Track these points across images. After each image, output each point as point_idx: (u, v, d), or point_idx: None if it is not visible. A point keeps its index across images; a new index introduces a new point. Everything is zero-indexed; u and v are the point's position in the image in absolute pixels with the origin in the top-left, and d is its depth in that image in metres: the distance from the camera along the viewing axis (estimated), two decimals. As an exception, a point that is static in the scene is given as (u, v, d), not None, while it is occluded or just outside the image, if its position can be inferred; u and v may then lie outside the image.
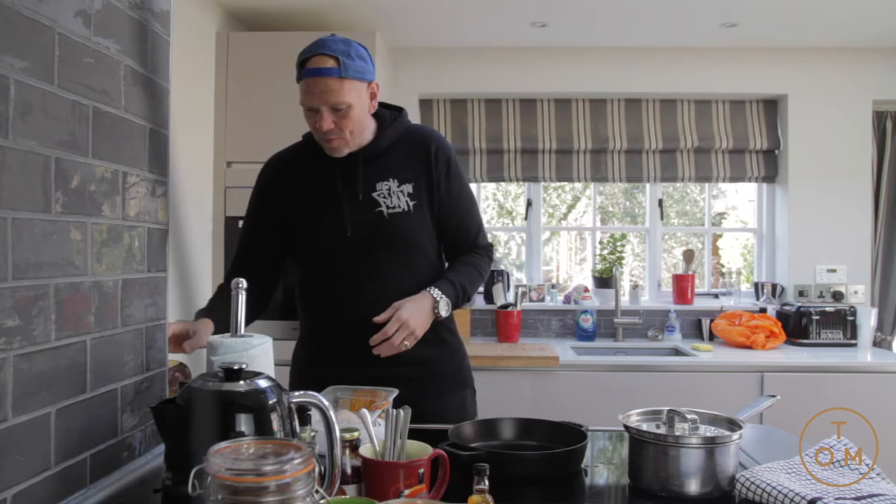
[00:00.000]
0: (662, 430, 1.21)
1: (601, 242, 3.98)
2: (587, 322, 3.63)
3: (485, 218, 4.20)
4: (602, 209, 4.36)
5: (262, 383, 1.00)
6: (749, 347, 3.35)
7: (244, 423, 0.96)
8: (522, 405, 2.98)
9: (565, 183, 4.32)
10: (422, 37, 3.57)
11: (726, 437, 1.16)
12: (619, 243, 3.91)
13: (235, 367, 0.99)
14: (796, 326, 3.47)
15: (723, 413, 1.25)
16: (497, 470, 1.09)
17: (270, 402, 0.98)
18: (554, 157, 3.83)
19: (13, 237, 0.94)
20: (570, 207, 4.93)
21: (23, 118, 0.96)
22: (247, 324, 1.68)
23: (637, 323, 3.64)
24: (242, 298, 1.26)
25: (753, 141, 3.79)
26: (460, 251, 1.79)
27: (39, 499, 1.00)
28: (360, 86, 1.60)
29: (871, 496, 1.05)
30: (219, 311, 1.59)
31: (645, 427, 1.22)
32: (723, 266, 4.38)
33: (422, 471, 1.08)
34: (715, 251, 4.32)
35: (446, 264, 1.82)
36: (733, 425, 1.21)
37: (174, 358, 1.68)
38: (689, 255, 3.96)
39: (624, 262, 3.94)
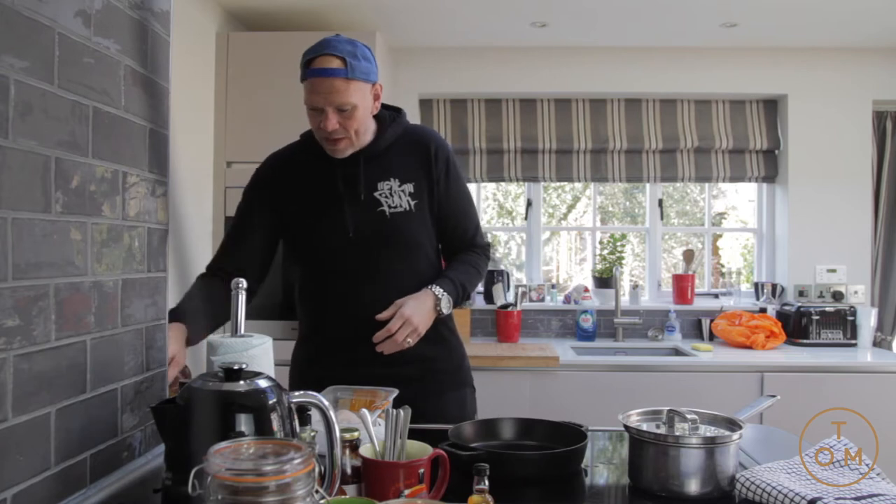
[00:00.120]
0: (662, 430, 1.21)
1: (601, 242, 3.98)
2: (587, 322, 3.63)
3: (485, 218, 4.20)
4: (602, 209, 4.36)
5: (262, 383, 1.00)
6: (749, 347, 3.35)
7: (244, 423, 0.96)
8: (522, 405, 2.98)
9: (565, 183, 4.32)
10: (422, 37, 3.57)
11: (726, 437, 1.16)
12: (619, 243, 3.91)
13: (235, 367, 0.99)
14: (796, 326, 3.47)
15: (723, 413, 1.25)
16: (497, 470, 1.09)
17: (270, 402, 0.98)
18: (554, 157, 3.83)
19: (13, 237, 0.94)
20: (570, 207, 4.93)
21: (23, 118, 0.96)
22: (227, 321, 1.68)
23: (637, 323, 3.64)
24: (242, 298, 1.26)
25: (753, 141, 3.79)
26: (459, 250, 1.80)
27: (39, 499, 1.00)
28: (365, 87, 1.61)
29: (871, 496, 1.05)
30: (192, 315, 1.57)
31: (645, 427, 1.22)
32: (723, 266, 4.38)
33: (422, 471, 1.08)
34: (715, 251, 4.32)
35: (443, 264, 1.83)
36: (733, 425, 1.21)
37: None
38: (689, 255, 3.96)
39: (624, 262, 3.94)
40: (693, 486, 1.14)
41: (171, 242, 1.40)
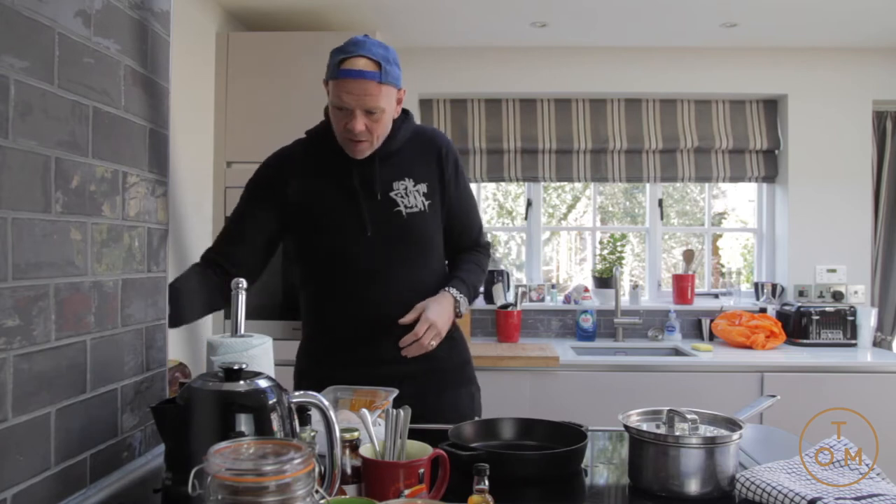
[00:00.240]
0: (662, 430, 1.21)
1: (601, 242, 3.98)
2: (587, 322, 3.63)
3: (485, 218, 4.20)
4: (602, 209, 4.36)
5: (262, 383, 1.00)
6: (749, 347, 3.35)
7: (244, 423, 0.96)
8: (522, 405, 2.98)
9: (565, 183, 4.32)
10: (422, 37, 3.57)
11: (726, 437, 1.16)
12: (619, 243, 3.91)
13: (235, 367, 0.99)
14: (796, 326, 3.47)
15: (723, 413, 1.25)
16: (497, 470, 1.09)
17: (270, 402, 0.98)
18: (554, 157, 3.83)
19: (13, 237, 0.94)
20: (570, 207, 4.93)
21: (23, 118, 0.96)
22: (212, 311, 1.68)
23: (637, 323, 3.64)
24: (242, 298, 1.26)
25: (753, 141, 3.79)
26: (463, 250, 1.81)
27: (39, 499, 1.00)
28: (394, 92, 1.62)
29: (871, 496, 1.05)
30: (185, 293, 1.54)
31: (645, 427, 1.22)
32: (723, 266, 4.38)
33: (422, 471, 1.08)
34: (715, 251, 4.32)
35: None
36: (733, 425, 1.21)
37: (174, 357, 1.68)
38: (689, 255, 3.96)
39: (624, 262, 3.95)
40: (693, 486, 1.14)
41: (171, 242, 1.40)
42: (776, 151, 3.85)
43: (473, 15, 3.27)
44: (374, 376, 1.58)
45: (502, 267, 3.84)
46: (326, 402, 1.01)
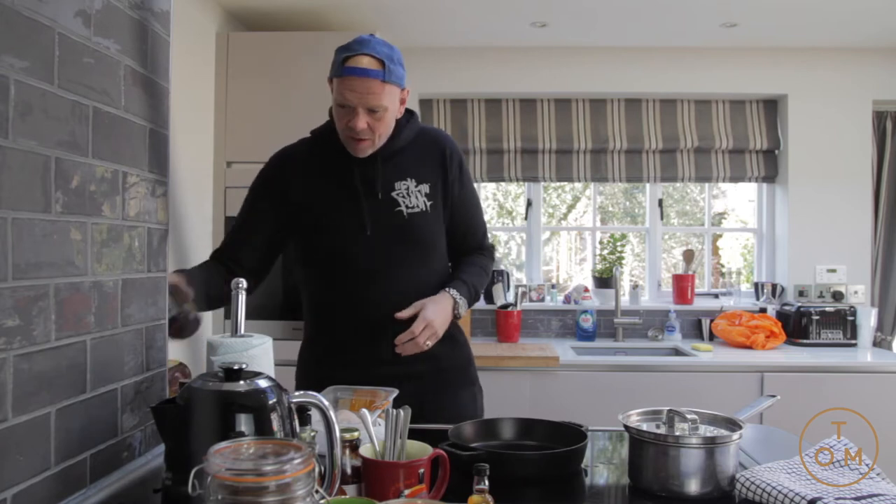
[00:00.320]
0: (662, 430, 1.21)
1: (601, 242, 3.98)
2: (587, 322, 3.63)
3: (485, 218, 4.20)
4: (602, 209, 4.36)
5: (262, 383, 1.00)
6: (749, 347, 3.35)
7: (244, 423, 0.96)
8: (522, 405, 2.98)
9: (565, 183, 4.32)
10: (422, 37, 3.57)
11: (726, 437, 1.16)
12: (619, 243, 3.91)
13: (235, 367, 0.99)
14: (796, 326, 3.47)
15: (723, 413, 1.25)
16: (497, 470, 1.09)
17: (270, 402, 0.98)
18: (554, 157, 3.83)
19: (13, 237, 0.94)
20: (570, 207, 4.93)
21: (23, 118, 0.96)
22: (212, 307, 1.68)
23: (637, 323, 3.64)
24: (242, 298, 1.26)
25: (753, 141, 3.79)
26: (466, 252, 1.81)
27: (39, 499, 1.00)
28: (397, 91, 1.61)
29: (871, 496, 1.05)
30: (195, 279, 1.55)
31: (645, 427, 1.22)
32: (723, 266, 4.38)
33: (422, 471, 1.08)
34: (715, 251, 4.32)
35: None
36: (733, 425, 1.21)
37: (174, 358, 1.68)
38: (689, 255, 3.96)
39: (624, 262, 3.95)
40: (693, 486, 1.14)
41: (171, 242, 1.40)
42: (776, 151, 3.85)
43: (473, 15, 3.27)
44: (375, 376, 1.58)
45: (502, 267, 3.84)
46: (326, 402, 1.01)
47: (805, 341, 3.44)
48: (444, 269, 1.78)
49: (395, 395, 1.45)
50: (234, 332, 1.25)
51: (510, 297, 3.73)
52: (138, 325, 1.28)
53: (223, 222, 3.09)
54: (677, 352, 3.49)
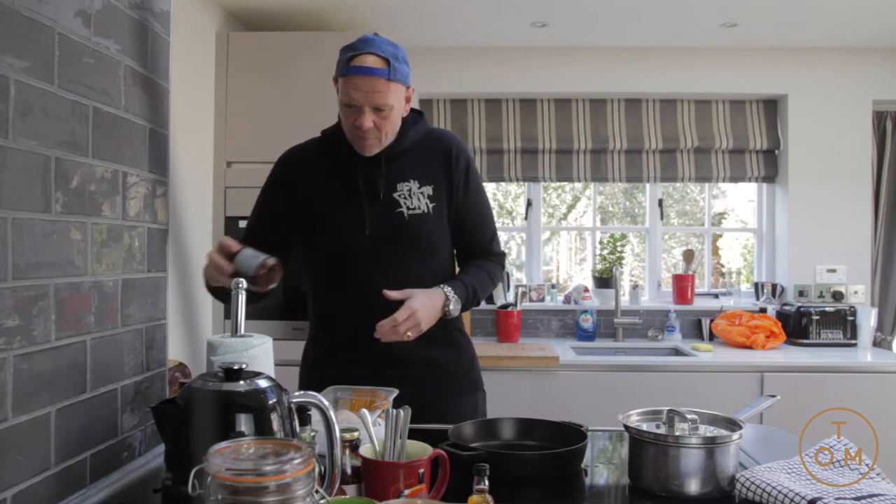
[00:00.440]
0: (662, 430, 1.21)
1: (601, 242, 3.98)
2: (587, 322, 3.63)
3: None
4: (602, 209, 4.36)
5: (262, 383, 1.00)
6: (749, 347, 3.35)
7: (244, 423, 0.96)
8: (522, 405, 2.98)
9: (565, 183, 4.32)
10: (422, 37, 3.57)
11: (726, 437, 1.16)
12: (619, 243, 3.91)
13: (235, 367, 0.99)
14: (796, 326, 3.47)
15: (723, 413, 1.25)
16: (497, 470, 1.09)
17: (270, 402, 0.98)
18: (554, 157, 3.83)
19: (13, 237, 0.94)
20: (570, 207, 4.93)
21: (23, 118, 0.96)
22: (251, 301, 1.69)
23: (637, 323, 3.64)
24: (242, 298, 1.26)
25: (753, 141, 3.79)
26: (473, 256, 1.78)
27: (39, 499, 1.00)
28: (402, 89, 1.62)
29: (871, 496, 1.05)
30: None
31: (645, 427, 1.22)
32: (723, 266, 4.38)
33: (422, 471, 1.08)
34: (715, 251, 4.32)
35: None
36: (733, 425, 1.21)
37: (174, 357, 1.68)
38: (689, 255, 3.96)
39: (624, 262, 3.94)
40: (693, 486, 1.14)
41: (171, 242, 1.41)
42: (776, 151, 3.85)
43: (473, 15, 3.27)
44: (377, 377, 1.58)
45: (502, 267, 3.84)
46: (326, 402, 1.01)
47: (805, 341, 3.44)
48: (446, 271, 1.75)
49: (395, 395, 1.45)
50: (234, 332, 1.25)
51: (510, 297, 3.73)
52: (138, 325, 1.28)
53: (223, 222, 3.09)
54: (677, 352, 3.49)
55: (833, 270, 3.71)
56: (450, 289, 1.65)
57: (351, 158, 1.69)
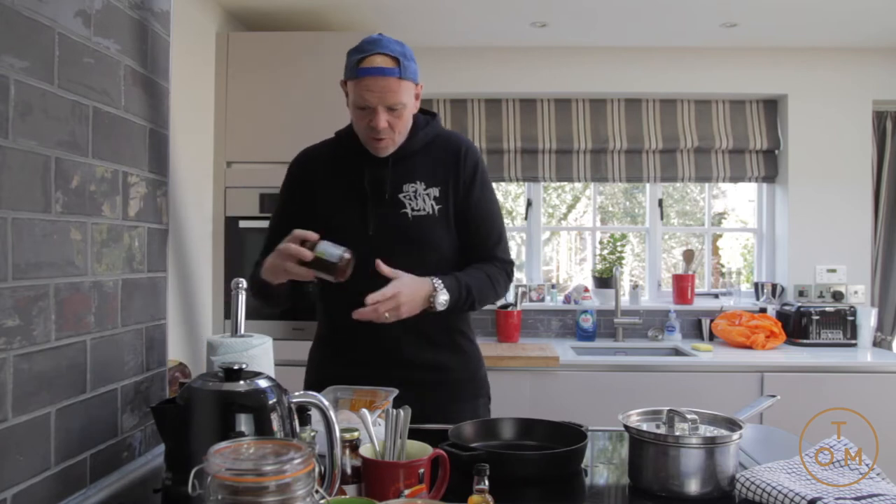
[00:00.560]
0: (662, 430, 1.21)
1: (601, 242, 3.98)
2: (587, 322, 3.63)
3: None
4: (602, 209, 4.36)
5: (262, 383, 1.00)
6: (749, 347, 3.35)
7: (244, 423, 0.96)
8: (522, 405, 2.98)
9: (565, 183, 4.32)
10: (422, 37, 3.57)
11: (726, 437, 1.16)
12: (619, 243, 3.91)
13: (235, 367, 0.99)
14: (796, 326, 3.47)
15: (723, 413, 1.25)
16: (497, 470, 1.09)
17: (270, 402, 0.98)
18: (554, 157, 3.83)
19: (13, 237, 0.94)
20: (570, 207, 4.93)
21: (23, 118, 0.96)
22: (274, 301, 1.69)
23: (637, 323, 3.64)
24: (242, 298, 1.26)
25: (753, 141, 3.79)
26: (478, 258, 1.74)
27: (39, 499, 1.00)
28: (412, 87, 1.62)
29: (871, 496, 1.05)
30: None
31: (645, 427, 1.22)
32: (723, 266, 4.38)
33: (422, 471, 1.08)
34: (715, 251, 4.32)
35: None
36: (733, 425, 1.21)
37: (174, 358, 1.68)
38: (689, 255, 3.96)
39: (624, 262, 3.94)
40: (693, 486, 1.14)
41: (171, 242, 1.41)
42: (776, 151, 3.85)
43: (473, 15, 3.27)
44: (377, 379, 1.57)
45: (502, 267, 3.84)
46: (326, 402, 1.01)
47: (805, 341, 3.44)
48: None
49: (395, 395, 1.45)
50: (234, 332, 1.25)
51: (510, 297, 3.73)
52: (138, 325, 1.28)
53: (223, 222, 3.08)
54: (677, 352, 3.48)
55: (833, 270, 3.71)
56: (439, 281, 1.60)
57: (359, 159, 1.69)
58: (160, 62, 1.36)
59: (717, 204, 4.40)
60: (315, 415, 1.08)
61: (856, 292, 3.69)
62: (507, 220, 4.51)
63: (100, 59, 1.14)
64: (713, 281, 4.12)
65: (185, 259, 2.83)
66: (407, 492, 1.05)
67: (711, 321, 3.62)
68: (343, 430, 1.08)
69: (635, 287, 3.87)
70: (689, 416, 1.17)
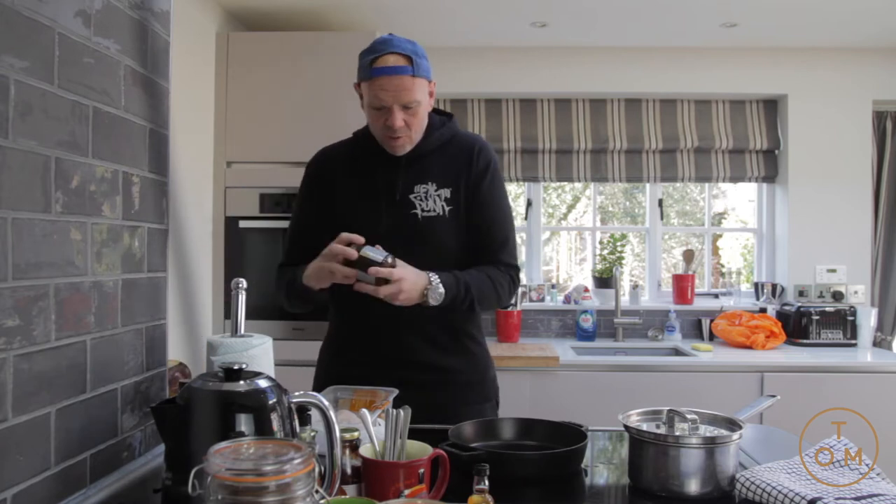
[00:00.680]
0: (662, 430, 1.21)
1: (601, 242, 3.98)
2: (587, 322, 3.63)
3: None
4: (602, 209, 4.36)
5: (262, 383, 1.00)
6: (749, 347, 3.35)
7: (244, 423, 0.96)
8: (522, 405, 2.98)
9: (565, 183, 4.32)
10: (422, 37, 3.53)
11: (726, 437, 1.16)
12: (619, 243, 3.91)
13: (235, 367, 0.99)
14: (796, 326, 3.47)
15: (723, 413, 1.25)
16: (497, 470, 1.09)
17: (270, 402, 0.98)
18: (554, 157, 3.83)
19: (13, 237, 0.94)
20: (570, 207, 4.93)
21: (23, 118, 0.96)
22: (308, 306, 1.70)
23: (637, 323, 3.64)
24: (242, 298, 1.26)
25: (753, 141, 3.79)
26: (482, 260, 1.72)
27: (39, 499, 1.00)
28: (426, 84, 1.62)
29: (871, 496, 1.05)
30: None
31: (645, 427, 1.22)
32: (723, 266, 4.38)
33: (422, 471, 1.08)
34: (715, 251, 4.32)
35: None
36: (733, 425, 1.21)
37: (174, 358, 1.68)
38: (689, 255, 3.96)
39: (624, 262, 3.94)
40: (693, 486, 1.14)
41: (171, 242, 1.41)
42: (776, 151, 3.85)
43: (473, 15, 3.27)
44: (384, 378, 1.56)
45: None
46: (326, 402, 1.01)
47: (805, 341, 3.44)
48: None
49: (395, 394, 1.45)
50: (234, 332, 1.25)
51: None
52: (138, 325, 1.28)
53: (223, 222, 3.08)
54: (677, 352, 3.48)
55: (833, 270, 3.71)
56: (436, 276, 1.58)
57: (372, 159, 1.70)
58: (160, 62, 1.36)
59: (717, 204, 4.40)
60: (315, 415, 1.08)
61: (856, 292, 3.69)
62: (507, 220, 4.52)
63: (100, 59, 1.14)
64: (713, 281, 4.12)
65: (185, 259, 2.83)
66: (407, 492, 1.05)
67: (711, 321, 3.62)
68: (343, 430, 1.08)
69: (635, 287, 3.87)
70: (689, 416, 1.17)
